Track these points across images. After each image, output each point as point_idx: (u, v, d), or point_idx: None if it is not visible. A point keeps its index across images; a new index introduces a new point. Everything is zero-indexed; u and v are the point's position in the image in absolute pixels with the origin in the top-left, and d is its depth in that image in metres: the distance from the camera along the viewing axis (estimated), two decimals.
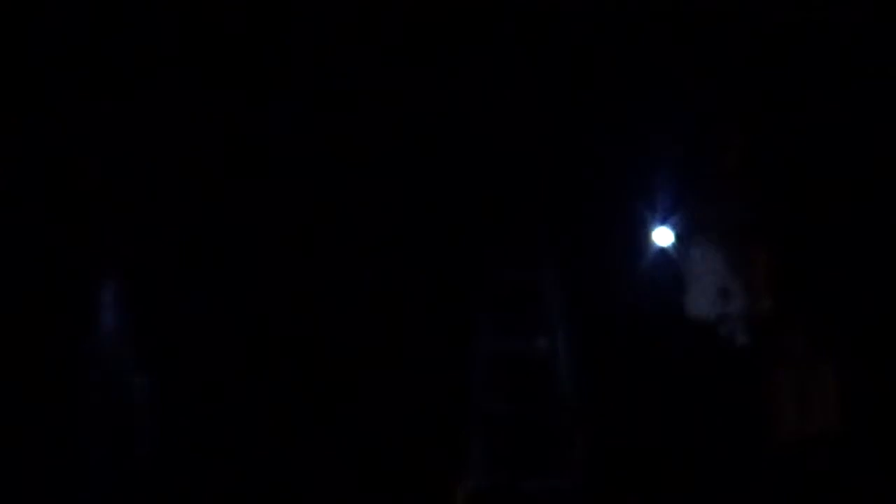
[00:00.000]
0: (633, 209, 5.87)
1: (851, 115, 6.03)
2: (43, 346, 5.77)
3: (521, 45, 6.02)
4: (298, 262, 6.01)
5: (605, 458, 5.77)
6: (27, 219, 5.85)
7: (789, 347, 5.72)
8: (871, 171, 6.08)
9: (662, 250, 5.82)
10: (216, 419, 5.88)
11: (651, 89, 5.90)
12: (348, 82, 6.02)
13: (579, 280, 5.94)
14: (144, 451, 5.85)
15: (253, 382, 5.94)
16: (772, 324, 5.68)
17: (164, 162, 5.96)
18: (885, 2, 5.98)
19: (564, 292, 5.95)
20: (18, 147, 5.86)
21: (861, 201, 6.08)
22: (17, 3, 5.77)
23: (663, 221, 5.81)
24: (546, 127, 6.03)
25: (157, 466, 5.81)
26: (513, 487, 5.76)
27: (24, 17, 5.80)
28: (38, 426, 5.74)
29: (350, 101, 6.03)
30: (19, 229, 5.83)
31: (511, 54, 6.03)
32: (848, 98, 6.04)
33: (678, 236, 5.78)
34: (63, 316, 5.85)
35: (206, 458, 5.84)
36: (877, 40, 6.00)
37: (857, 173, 6.09)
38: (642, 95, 5.92)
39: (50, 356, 5.78)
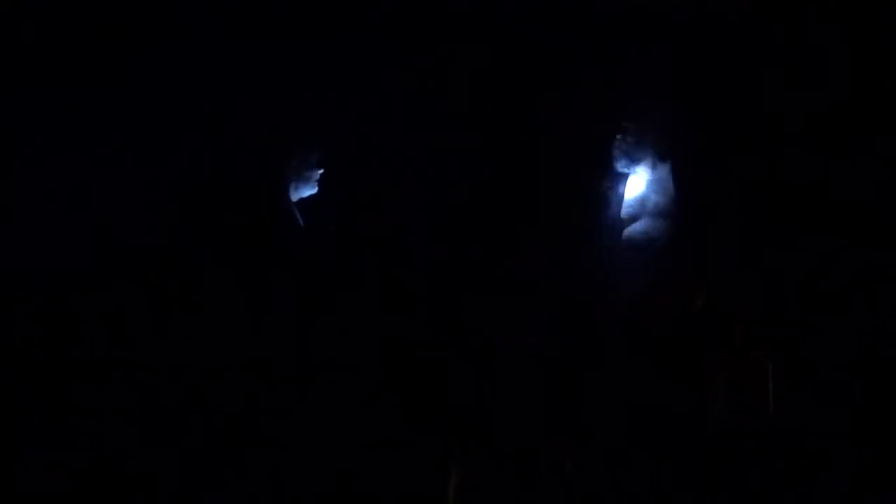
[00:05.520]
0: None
1: (780, 111, 6.09)
2: None
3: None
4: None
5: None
6: None
7: (723, 339, 5.71)
8: (803, 167, 6.12)
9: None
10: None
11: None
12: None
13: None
14: None
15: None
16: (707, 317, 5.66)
17: None
18: None
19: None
20: None
21: (797, 195, 6.12)
22: None
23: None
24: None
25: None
26: (503, 484, 5.78)
27: None
28: None
29: None
30: None
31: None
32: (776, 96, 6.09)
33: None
34: None
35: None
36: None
37: (789, 167, 6.13)
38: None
39: None
